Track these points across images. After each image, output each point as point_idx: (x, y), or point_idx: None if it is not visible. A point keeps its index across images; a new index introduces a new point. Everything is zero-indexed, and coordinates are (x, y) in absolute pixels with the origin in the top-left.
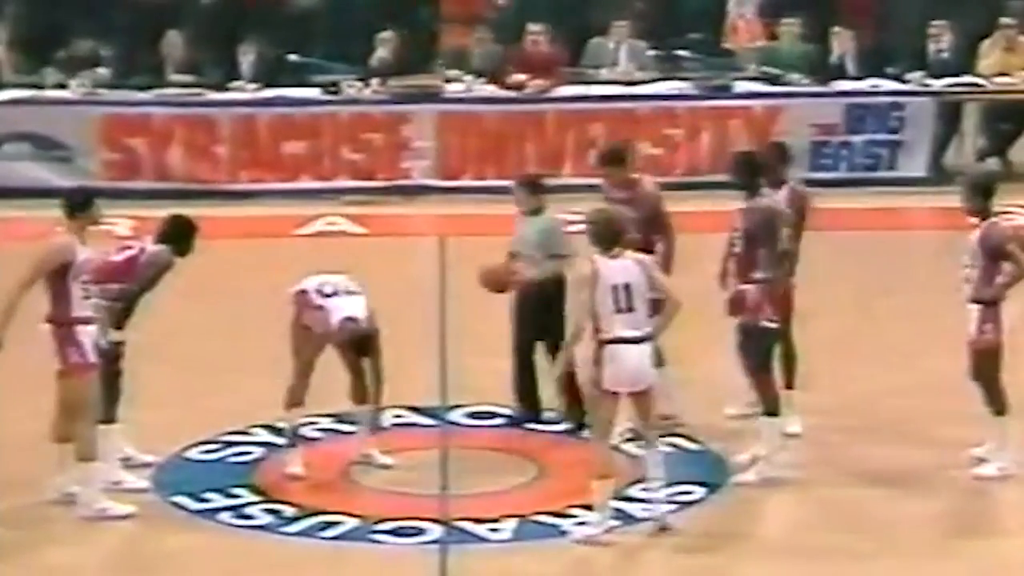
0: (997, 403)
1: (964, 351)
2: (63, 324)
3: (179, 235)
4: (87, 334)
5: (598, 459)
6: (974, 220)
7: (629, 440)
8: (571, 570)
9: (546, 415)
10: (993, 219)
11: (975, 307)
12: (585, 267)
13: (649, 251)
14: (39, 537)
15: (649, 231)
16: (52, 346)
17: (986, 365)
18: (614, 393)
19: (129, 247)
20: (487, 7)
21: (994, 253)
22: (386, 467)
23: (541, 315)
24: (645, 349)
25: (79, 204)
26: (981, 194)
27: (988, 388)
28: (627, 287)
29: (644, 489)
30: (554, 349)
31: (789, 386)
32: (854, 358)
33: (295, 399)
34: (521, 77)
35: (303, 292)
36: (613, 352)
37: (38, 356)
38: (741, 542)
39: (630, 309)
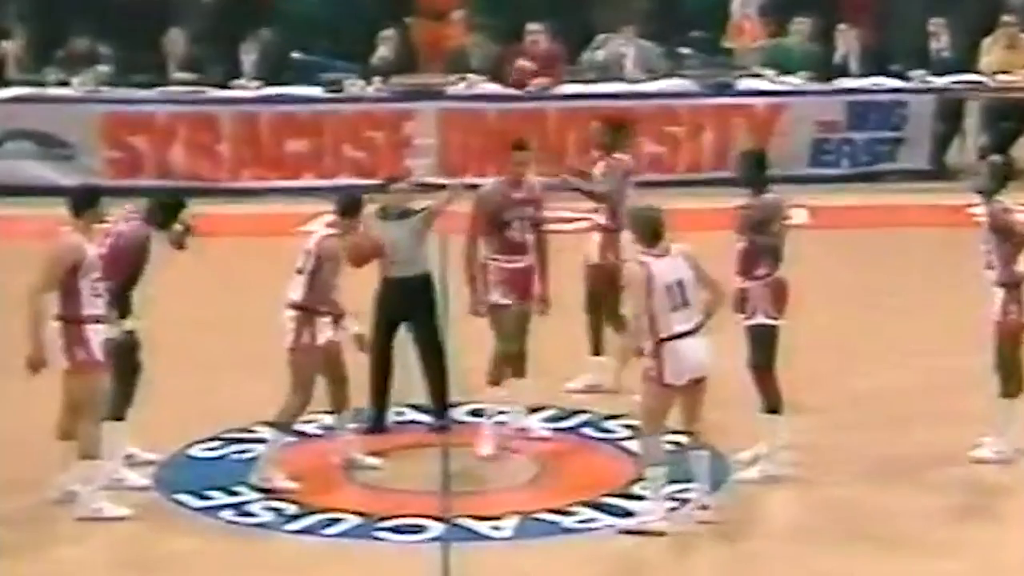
0: (1012, 385)
1: (968, 346)
2: (72, 322)
3: (161, 208)
4: (95, 332)
5: (648, 448)
6: (980, 200)
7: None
8: (572, 568)
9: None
10: (998, 200)
11: (1000, 290)
12: (637, 271)
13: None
14: (41, 535)
15: (533, 228)
16: (59, 344)
17: (1009, 346)
18: (672, 387)
19: (107, 236)
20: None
21: (1004, 231)
22: (374, 468)
23: (405, 312)
24: (701, 339)
25: (85, 203)
26: (999, 177)
27: (1007, 369)
28: (680, 283)
29: (688, 491)
30: (429, 346)
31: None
32: (855, 355)
33: (289, 421)
34: (527, 64)
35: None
36: (673, 347)
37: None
38: (742, 540)
39: (685, 304)
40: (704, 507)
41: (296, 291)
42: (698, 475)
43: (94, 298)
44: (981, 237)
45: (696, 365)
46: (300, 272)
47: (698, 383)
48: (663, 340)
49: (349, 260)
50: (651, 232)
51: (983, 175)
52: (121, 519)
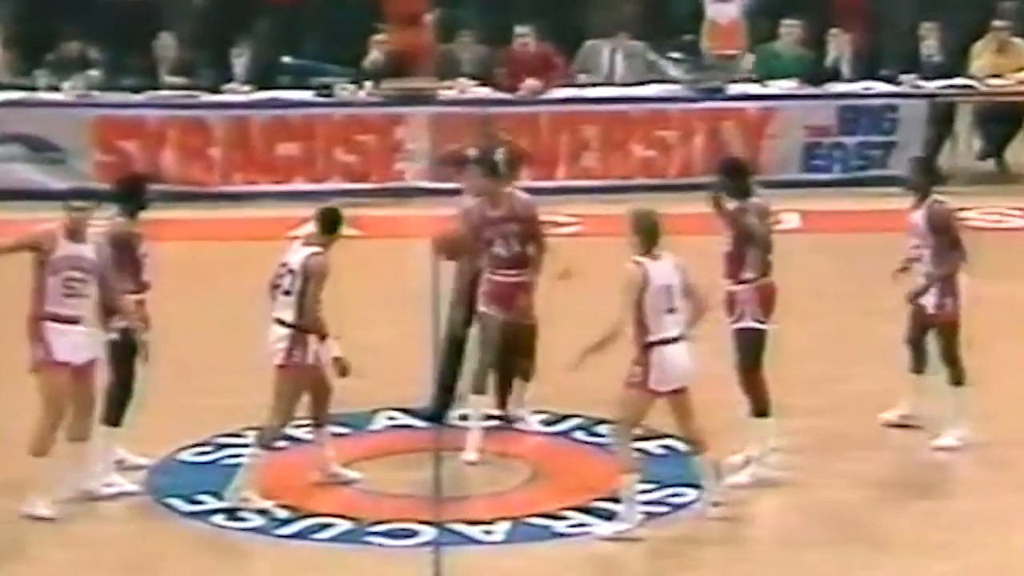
0: (956, 374)
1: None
2: (32, 319)
3: (127, 194)
4: (59, 332)
5: (622, 455)
6: (914, 199)
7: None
8: (564, 572)
9: None
10: (934, 198)
11: (935, 284)
12: (634, 270)
13: (524, 264)
14: (32, 538)
15: (524, 243)
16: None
17: (947, 337)
18: (655, 393)
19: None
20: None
21: (941, 229)
22: (355, 481)
23: None
24: (686, 347)
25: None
26: (924, 173)
27: (948, 359)
28: (669, 288)
29: (702, 496)
30: None
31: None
32: (845, 359)
33: (271, 439)
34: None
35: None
36: (660, 353)
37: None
38: (733, 543)
39: (673, 309)
40: (716, 504)
41: (286, 311)
42: (705, 477)
43: (64, 298)
44: (914, 233)
45: (682, 373)
46: (288, 293)
47: (683, 393)
48: (652, 344)
49: (440, 251)
50: (651, 235)
51: (910, 172)
52: (50, 520)
